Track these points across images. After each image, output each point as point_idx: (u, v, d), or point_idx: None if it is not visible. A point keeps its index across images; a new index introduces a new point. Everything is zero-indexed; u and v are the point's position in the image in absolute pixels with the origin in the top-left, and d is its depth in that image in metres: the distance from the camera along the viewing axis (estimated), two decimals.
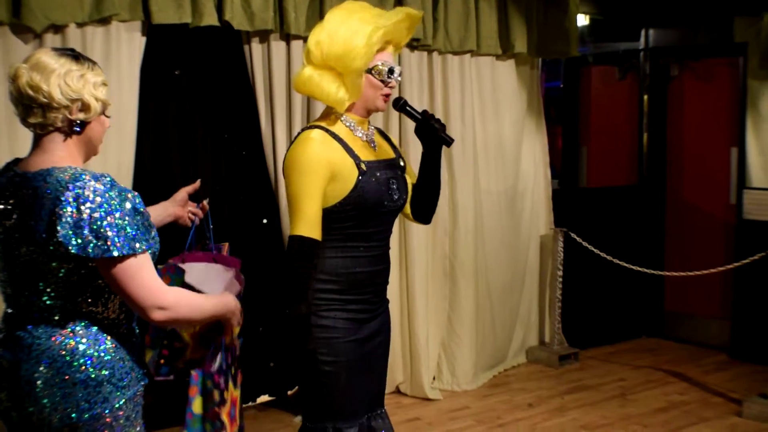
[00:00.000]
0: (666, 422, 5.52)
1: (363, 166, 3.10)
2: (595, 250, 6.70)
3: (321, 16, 5.16)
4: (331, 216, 3.10)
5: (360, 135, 3.19)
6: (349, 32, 3.07)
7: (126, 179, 4.68)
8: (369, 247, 3.19)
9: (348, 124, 3.19)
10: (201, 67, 5.29)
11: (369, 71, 3.13)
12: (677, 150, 7.63)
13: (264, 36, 5.16)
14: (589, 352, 7.09)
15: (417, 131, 3.28)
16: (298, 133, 3.17)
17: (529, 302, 6.93)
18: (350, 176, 3.07)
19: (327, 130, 3.13)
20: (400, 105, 3.30)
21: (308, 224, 3.02)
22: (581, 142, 8.01)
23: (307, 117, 5.30)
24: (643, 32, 7.66)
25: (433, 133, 3.25)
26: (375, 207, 3.11)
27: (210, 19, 4.78)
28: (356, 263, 3.16)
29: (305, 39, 5.14)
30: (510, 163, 6.55)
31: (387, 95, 3.19)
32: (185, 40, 5.07)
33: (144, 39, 4.74)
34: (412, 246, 5.83)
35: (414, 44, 5.73)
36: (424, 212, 3.44)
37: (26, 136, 2.52)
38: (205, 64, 5.30)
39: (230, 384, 2.88)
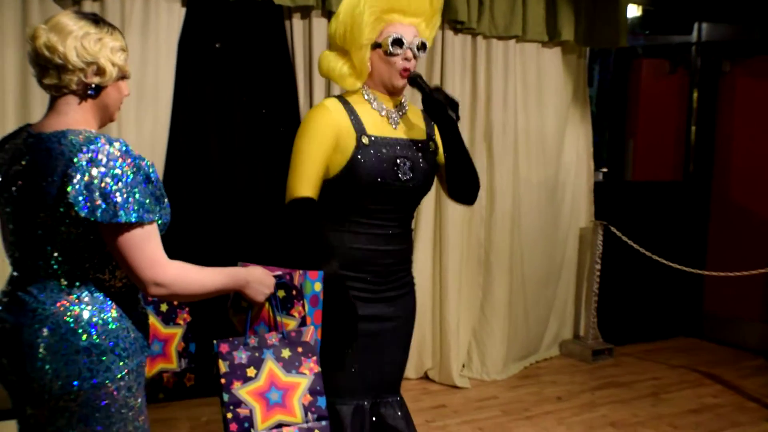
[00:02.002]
0: (697, 424, 5.40)
1: (364, 138, 3.05)
2: (634, 246, 6.58)
3: None
4: (332, 187, 3.08)
5: (378, 109, 3.14)
6: (348, 8, 3.09)
7: (159, 154, 4.67)
8: (371, 225, 3.12)
9: (368, 97, 3.15)
10: (240, 42, 5.27)
11: (378, 45, 3.09)
12: (725, 147, 7.47)
13: (305, 12, 5.11)
14: (625, 349, 6.98)
15: (424, 106, 3.13)
16: None
17: (564, 295, 6.84)
18: (349, 146, 3.04)
19: (343, 100, 3.12)
20: (412, 79, 3.14)
21: (310, 186, 3.03)
22: (628, 134, 7.88)
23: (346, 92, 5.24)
24: (696, 26, 7.49)
25: (435, 107, 3.09)
26: (373, 183, 3.05)
27: None
28: (354, 239, 3.11)
29: None
30: (552, 153, 6.45)
31: (404, 70, 3.11)
32: (225, 14, 5.04)
33: (183, 10, 4.72)
34: (447, 232, 5.77)
35: (458, 27, 5.65)
36: (457, 191, 3.28)
37: (41, 104, 2.50)
38: (244, 38, 5.27)
39: (270, 364, 2.82)
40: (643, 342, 7.24)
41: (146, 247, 2.30)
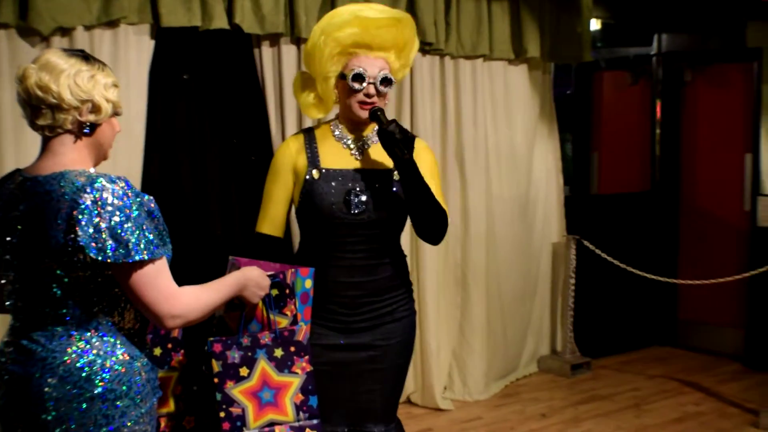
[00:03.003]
0: None
1: (315, 172, 3.11)
2: (608, 258, 6.61)
3: None
4: (298, 219, 3.22)
5: (340, 140, 3.18)
6: (314, 38, 3.12)
7: (134, 185, 4.60)
8: (334, 257, 3.15)
9: (333, 128, 3.21)
10: (210, 71, 5.23)
11: (344, 77, 3.10)
12: (690, 156, 7.54)
13: (274, 40, 5.08)
14: (602, 362, 6.99)
15: (380, 140, 3.04)
16: None
17: (540, 310, 6.84)
18: (301, 180, 3.13)
19: (307, 133, 3.21)
20: (372, 113, 3.09)
21: (268, 222, 3.21)
22: (593, 148, 7.94)
23: (317, 122, 5.22)
24: (655, 37, 7.57)
25: (388, 141, 2.98)
26: (324, 216, 3.09)
27: (220, 22, 4.71)
28: (322, 271, 3.12)
29: None
30: (522, 169, 6.47)
31: (363, 103, 3.10)
32: (194, 44, 5.00)
33: (153, 42, 4.67)
34: (423, 253, 5.74)
35: (426, 48, 5.65)
36: (421, 229, 3.20)
37: (33, 143, 2.44)
38: (214, 68, 5.23)
39: (263, 363, 2.81)
40: (620, 353, 7.26)
41: (159, 282, 2.27)
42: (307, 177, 3.09)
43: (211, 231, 5.27)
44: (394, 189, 3.16)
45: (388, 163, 3.18)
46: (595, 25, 7.34)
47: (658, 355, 7.34)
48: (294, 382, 2.83)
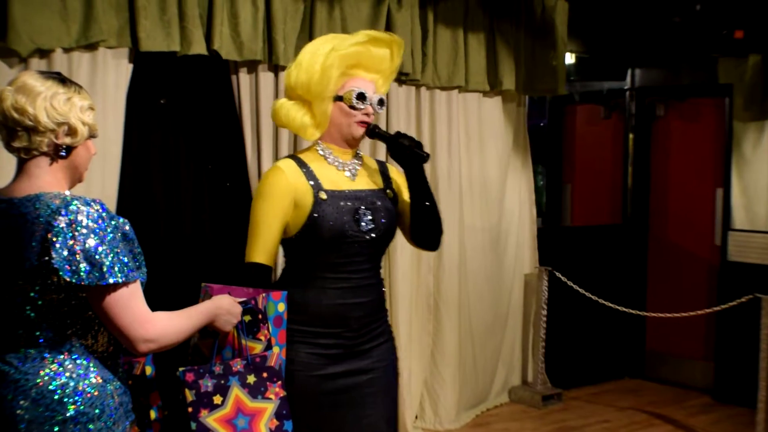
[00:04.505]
0: None
1: (322, 194, 3.08)
2: (579, 290, 6.64)
3: None
4: (295, 245, 3.12)
5: (335, 164, 3.18)
6: (313, 59, 3.11)
7: (110, 208, 4.60)
8: (338, 279, 3.12)
9: (322, 152, 3.20)
10: (187, 97, 5.23)
11: (340, 98, 3.13)
12: (662, 190, 7.61)
13: (252, 66, 5.10)
14: (572, 393, 7.01)
15: (390, 154, 3.18)
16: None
17: (512, 341, 6.85)
18: (307, 204, 3.07)
19: (297, 159, 3.16)
20: (370, 131, 3.18)
21: (262, 252, 3.07)
22: (565, 180, 8.00)
23: (294, 149, 5.24)
24: (629, 72, 7.66)
25: (403, 152, 3.12)
26: (335, 236, 3.06)
27: (198, 47, 4.73)
28: (322, 295, 3.11)
29: None
30: (495, 200, 6.51)
31: (362, 122, 3.15)
32: (173, 69, 5.01)
33: (131, 66, 4.68)
34: (396, 281, 5.76)
35: (402, 78, 5.69)
36: (421, 237, 3.28)
37: (9, 165, 2.44)
38: (191, 93, 5.23)
39: (236, 390, 2.81)
40: (591, 384, 7.28)
41: (133, 306, 2.27)
42: (317, 199, 3.06)
43: (184, 255, 5.25)
44: (390, 207, 3.22)
45: (380, 182, 3.25)
46: (569, 58, 7.43)
47: (629, 386, 7.37)
48: (268, 407, 2.83)
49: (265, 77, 5.14)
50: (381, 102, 3.21)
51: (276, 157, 5.20)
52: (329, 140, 3.20)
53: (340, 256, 3.10)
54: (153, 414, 2.95)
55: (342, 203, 3.09)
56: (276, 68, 5.15)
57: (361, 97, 3.12)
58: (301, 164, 3.14)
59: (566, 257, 7.06)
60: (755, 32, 6.55)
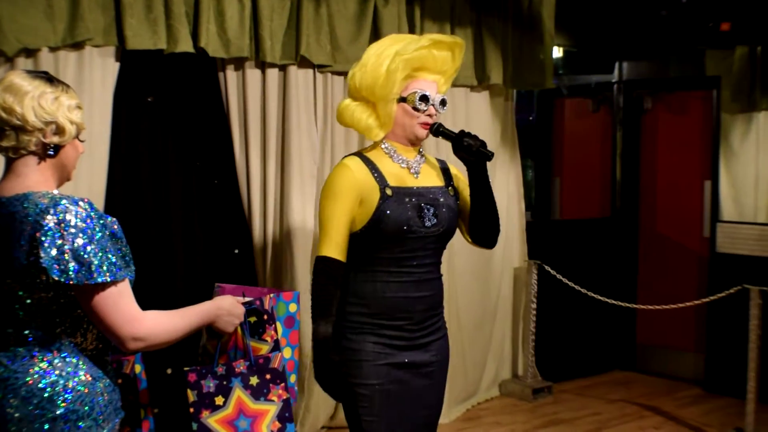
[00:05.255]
0: None
1: (388, 190, 3.17)
2: (569, 283, 6.66)
3: (297, 44, 5.15)
4: (360, 239, 3.20)
5: (398, 161, 3.26)
6: (378, 62, 3.20)
7: (98, 207, 4.59)
8: (401, 273, 3.20)
9: (387, 150, 3.28)
10: (175, 94, 5.21)
11: (403, 99, 3.21)
12: (650, 183, 7.64)
13: (239, 64, 5.09)
14: (563, 386, 7.03)
15: (454, 152, 3.26)
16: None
17: (501, 335, 6.86)
18: (373, 200, 3.15)
19: (363, 157, 3.26)
20: (434, 130, 3.28)
21: (334, 246, 3.14)
22: (554, 174, 8.01)
23: (282, 146, 5.24)
24: (616, 65, 7.67)
25: (468, 150, 3.20)
26: (400, 231, 3.15)
27: (185, 45, 4.72)
28: (386, 288, 3.20)
29: (280, 67, 5.18)
30: None
31: (425, 124, 3.24)
32: (160, 67, 5.00)
33: (118, 65, 4.67)
34: None
35: None
36: (480, 234, 3.39)
37: None
38: (179, 91, 5.22)
39: (238, 391, 2.81)
40: (581, 377, 7.30)
41: (121, 304, 2.28)
42: (383, 194, 3.15)
43: (173, 253, 5.24)
44: (451, 204, 3.31)
45: (442, 179, 3.37)
46: (557, 52, 7.44)
47: (619, 379, 7.40)
48: (270, 409, 2.83)
49: (252, 74, 5.13)
50: (443, 102, 3.31)
51: (264, 154, 5.20)
52: (393, 139, 3.29)
53: (404, 250, 3.19)
54: (142, 412, 2.96)
55: (407, 199, 3.18)
56: (263, 65, 5.15)
57: (424, 99, 3.21)
58: (367, 162, 3.24)
59: (555, 251, 7.07)
60: (742, 24, 6.58)
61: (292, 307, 3.02)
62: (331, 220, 3.16)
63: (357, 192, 3.16)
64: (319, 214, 3.22)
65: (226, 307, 2.68)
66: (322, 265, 3.13)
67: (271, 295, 2.93)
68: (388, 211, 3.14)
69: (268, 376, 2.84)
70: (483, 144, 3.21)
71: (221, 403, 2.79)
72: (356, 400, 3.18)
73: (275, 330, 2.92)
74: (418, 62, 3.22)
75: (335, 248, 3.14)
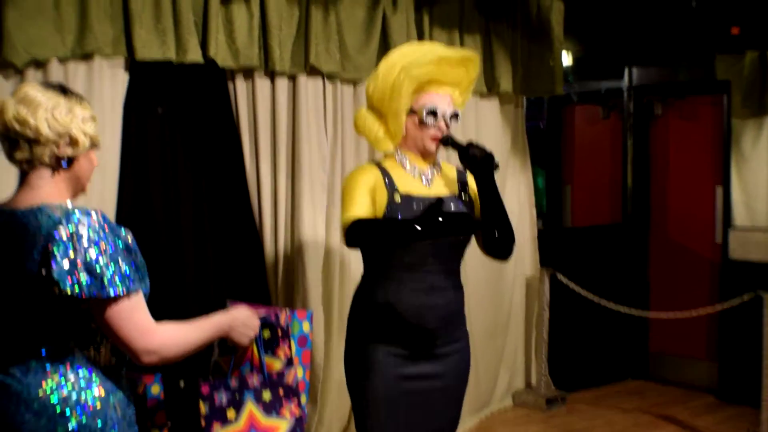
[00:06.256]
0: None
1: (396, 196, 3.17)
2: (581, 291, 6.61)
3: (306, 53, 5.12)
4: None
5: (411, 171, 3.26)
6: (388, 74, 3.22)
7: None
8: (413, 280, 3.18)
9: (400, 160, 3.29)
10: (185, 105, 5.19)
11: (414, 112, 3.22)
12: (661, 189, 7.59)
13: (248, 73, 5.06)
14: (576, 395, 6.97)
15: (461, 161, 3.24)
16: None
17: (514, 344, 6.81)
18: (382, 204, 3.16)
19: (377, 164, 3.28)
20: (444, 140, 3.27)
21: (359, 207, 3.11)
22: (565, 181, 7.97)
23: (292, 156, 5.20)
24: (626, 71, 7.63)
25: (473, 161, 3.17)
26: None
27: (194, 55, 4.69)
28: (399, 295, 3.17)
29: (290, 77, 5.15)
30: None
31: (434, 137, 3.23)
32: (169, 77, 4.97)
33: (127, 75, 4.64)
34: None
35: None
36: (492, 246, 3.31)
37: (13, 176, 2.42)
38: (188, 101, 5.20)
39: (250, 405, 2.77)
40: (595, 387, 7.24)
41: (135, 317, 2.25)
42: (391, 200, 3.16)
43: (183, 264, 5.21)
44: (465, 209, 3.31)
45: (455, 189, 3.36)
46: (567, 58, 7.40)
47: (633, 388, 7.34)
48: (281, 425, 2.80)
49: (262, 84, 5.10)
50: (455, 116, 3.29)
51: (274, 164, 5.17)
52: (406, 148, 3.30)
53: (414, 257, 3.17)
54: None
55: (415, 206, 3.17)
56: (272, 75, 5.12)
57: (432, 113, 3.21)
58: (381, 168, 3.27)
59: (567, 258, 7.03)
60: (752, 29, 6.55)
61: (306, 327, 2.99)
62: (356, 190, 3.16)
63: (374, 185, 3.18)
64: (343, 195, 3.20)
65: (241, 319, 2.64)
66: (352, 226, 3.06)
67: (287, 311, 2.90)
68: (395, 217, 3.14)
69: (281, 392, 2.81)
70: (489, 154, 3.18)
71: (233, 417, 2.76)
72: (364, 409, 3.17)
73: (289, 347, 2.89)
74: (427, 77, 3.22)
75: (361, 209, 3.12)
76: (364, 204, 3.14)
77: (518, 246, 6.61)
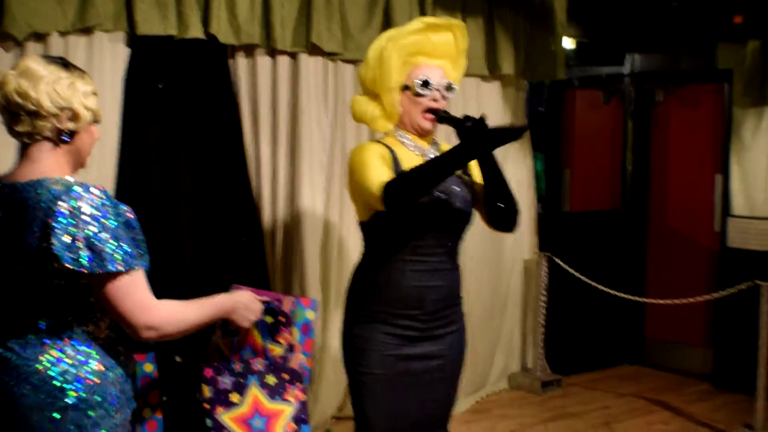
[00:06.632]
0: None
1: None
2: (579, 276, 6.61)
3: (308, 32, 5.10)
4: (374, 228, 3.18)
5: (413, 149, 3.23)
6: (375, 53, 3.22)
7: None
8: (415, 261, 3.16)
9: (401, 138, 3.26)
10: (185, 81, 5.17)
11: (407, 88, 3.19)
12: (661, 176, 7.58)
13: (249, 50, 5.05)
14: (572, 379, 6.98)
15: (459, 137, 3.07)
16: None
17: (510, 327, 6.81)
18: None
19: (381, 142, 3.24)
20: (440, 117, 3.20)
21: (383, 173, 3.03)
22: (565, 165, 7.96)
23: (292, 134, 5.19)
24: (628, 57, 7.61)
25: (468, 135, 2.96)
26: (413, 219, 3.12)
27: (195, 31, 4.68)
28: (401, 277, 3.15)
29: (291, 55, 5.13)
30: None
31: (427, 110, 3.18)
32: (170, 53, 4.95)
33: (128, 50, 4.62)
34: None
35: None
36: (496, 218, 3.28)
37: (12, 149, 2.41)
38: (189, 77, 5.18)
39: (255, 389, 2.77)
40: (590, 371, 7.25)
41: (135, 293, 2.25)
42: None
43: (181, 240, 5.20)
44: (466, 193, 3.26)
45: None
46: (568, 43, 7.37)
47: (629, 373, 7.35)
48: (286, 410, 2.80)
49: (263, 61, 5.09)
50: (449, 87, 3.26)
51: (274, 140, 5.18)
52: (404, 128, 3.27)
53: (418, 239, 3.15)
54: (149, 412, 2.93)
55: None
56: (273, 52, 5.11)
57: (425, 84, 3.18)
58: (386, 145, 3.23)
59: (566, 243, 7.02)
60: (754, 17, 6.52)
61: (310, 315, 2.97)
62: (369, 160, 3.08)
63: (383, 156, 3.13)
64: (358, 171, 3.10)
65: (243, 302, 2.64)
66: (390, 185, 2.95)
67: (291, 298, 2.89)
68: None
69: (285, 376, 2.81)
70: (480, 118, 2.95)
71: (237, 401, 2.76)
72: (360, 389, 3.17)
73: (291, 334, 2.88)
74: (415, 47, 3.20)
75: (384, 173, 3.03)
76: (385, 171, 3.06)
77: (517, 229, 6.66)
